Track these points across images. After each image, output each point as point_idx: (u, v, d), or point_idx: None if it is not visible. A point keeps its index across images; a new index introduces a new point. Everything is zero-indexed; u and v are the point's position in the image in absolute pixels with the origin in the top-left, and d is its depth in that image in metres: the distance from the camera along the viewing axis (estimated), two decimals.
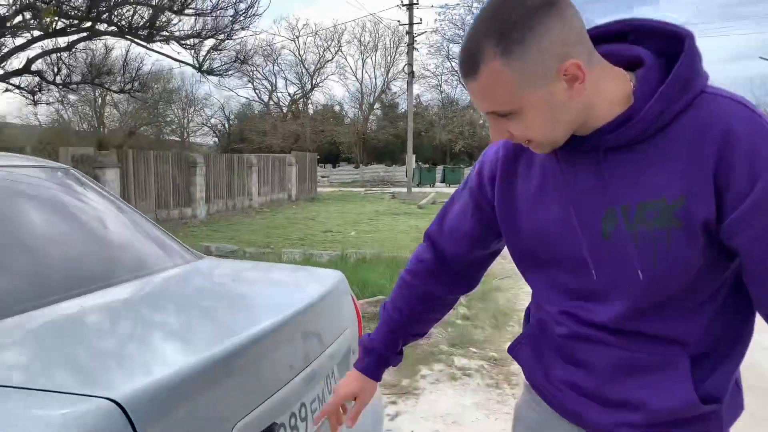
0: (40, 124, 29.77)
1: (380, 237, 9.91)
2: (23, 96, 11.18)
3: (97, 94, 27.33)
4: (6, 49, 9.37)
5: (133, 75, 12.09)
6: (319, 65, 39.15)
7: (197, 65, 11.40)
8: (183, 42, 10.67)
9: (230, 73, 12.08)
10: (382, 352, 1.26)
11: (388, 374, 3.78)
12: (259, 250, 7.81)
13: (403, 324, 1.25)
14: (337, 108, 42.29)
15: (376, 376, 1.29)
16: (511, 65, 0.82)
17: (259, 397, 1.28)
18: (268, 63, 37.23)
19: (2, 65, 9.60)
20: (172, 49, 13.60)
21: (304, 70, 39.15)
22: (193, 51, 11.15)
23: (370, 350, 1.27)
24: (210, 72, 11.64)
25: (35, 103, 11.37)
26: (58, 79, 10.64)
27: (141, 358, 1.24)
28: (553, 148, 0.93)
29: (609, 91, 0.89)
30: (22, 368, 1.15)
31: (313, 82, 39.52)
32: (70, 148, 9.83)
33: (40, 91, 11.10)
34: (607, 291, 0.94)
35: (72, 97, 25.84)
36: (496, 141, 1.08)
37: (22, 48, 9.55)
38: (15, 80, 10.54)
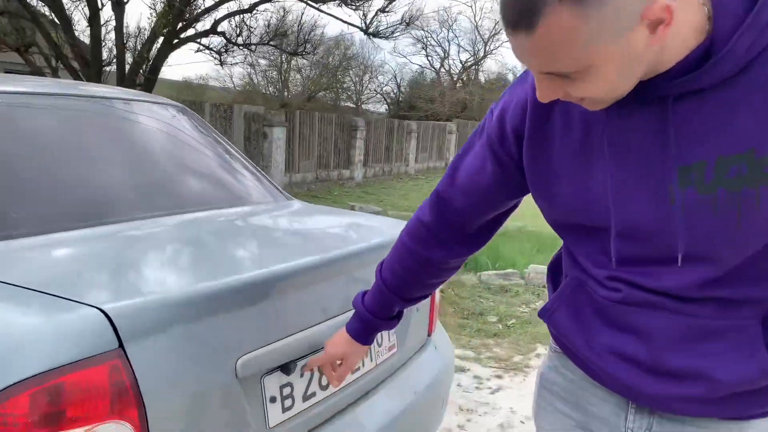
0: (234, 87, 32.88)
1: (530, 212, 9.43)
2: (212, 57, 12.30)
3: (283, 59, 29.36)
4: (198, 10, 10.35)
5: (306, 37, 12.72)
6: (494, 31, 38.01)
7: (364, 27, 11.63)
8: (351, 3, 10.90)
9: (396, 35, 12.12)
10: (370, 317, 1.16)
11: (500, 348, 3.57)
12: (401, 213, 7.87)
13: (397, 288, 1.13)
14: (510, 77, 41.02)
15: (364, 340, 1.19)
16: (584, 16, 0.64)
17: (275, 334, 1.23)
18: (443, 29, 37.09)
19: (194, 26, 10.64)
20: (343, 11, 14.04)
21: (478, 37, 38.38)
22: (361, 13, 11.38)
23: (359, 313, 1.17)
24: (376, 34, 11.79)
25: (221, 63, 12.44)
26: (240, 41, 11.55)
27: (153, 276, 1.25)
28: (613, 102, 0.76)
29: (685, 25, 0.71)
30: (44, 270, 1.20)
31: (487, 49, 38.57)
32: (243, 106, 10.68)
33: (226, 51, 12.12)
34: (674, 259, 0.79)
35: (262, 61, 28.08)
36: (523, 83, 0.91)
37: (210, 10, 10.47)
38: (205, 41, 11.65)
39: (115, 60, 10.19)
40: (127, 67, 10.12)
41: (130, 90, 2.29)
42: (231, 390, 1.13)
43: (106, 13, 9.77)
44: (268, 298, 1.23)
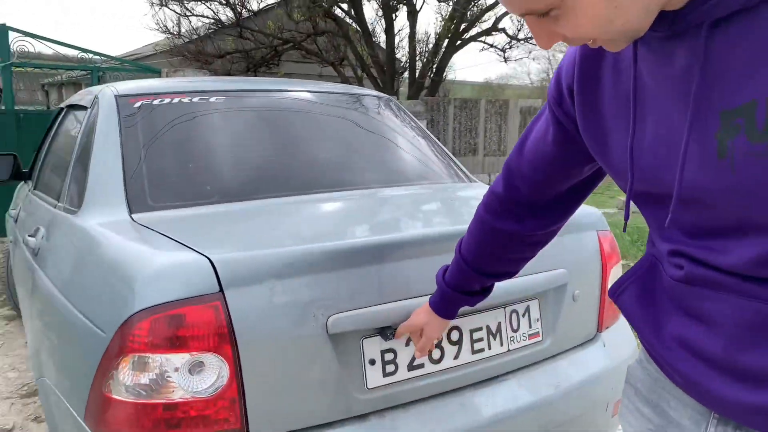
0: (530, 83, 33.09)
1: None
2: (497, 54, 12.55)
3: None
4: (479, 9, 10.70)
5: None
6: None
7: None
8: None
9: None
10: (448, 290, 1.15)
11: None
12: None
13: (472, 261, 1.10)
14: None
15: (443, 312, 1.18)
16: None
17: (370, 300, 1.28)
18: None
19: (477, 25, 11.02)
20: None
21: None
22: None
23: (439, 286, 1.18)
24: None
25: (505, 60, 12.64)
26: (521, 35, 11.54)
27: (277, 235, 1.41)
28: (633, 39, 0.66)
29: None
30: (190, 224, 1.47)
31: None
32: (519, 100, 10.68)
33: (510, 48, 12.26)
34: (735, 228, 0.67)
35: (559, 56, 27.54)
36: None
37: (491, 8, 10.73)
38: (489, 40, 11.98)
39: (407, 65, 11.23)
40: (417, 71, 11.06)
41: (344, 84, 2.57)
42: (321, 345, 1.22)
43: (399, 22, 10.83)
44: (368, 265, 1.28)
